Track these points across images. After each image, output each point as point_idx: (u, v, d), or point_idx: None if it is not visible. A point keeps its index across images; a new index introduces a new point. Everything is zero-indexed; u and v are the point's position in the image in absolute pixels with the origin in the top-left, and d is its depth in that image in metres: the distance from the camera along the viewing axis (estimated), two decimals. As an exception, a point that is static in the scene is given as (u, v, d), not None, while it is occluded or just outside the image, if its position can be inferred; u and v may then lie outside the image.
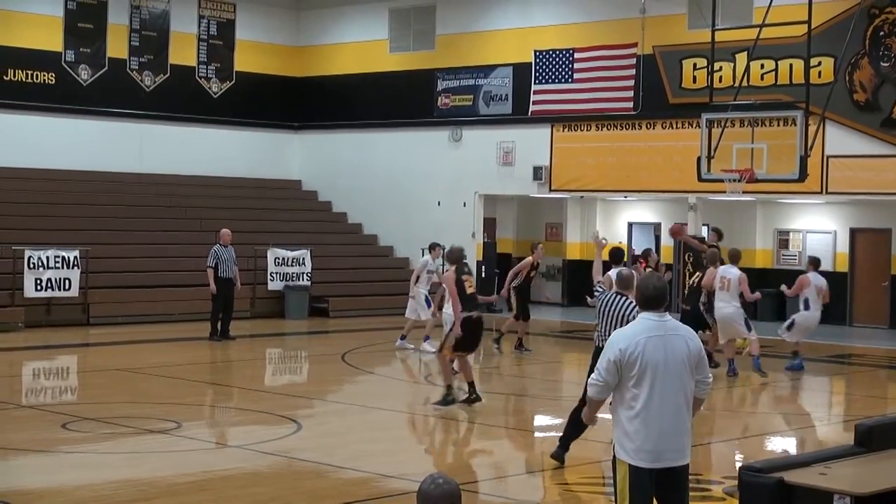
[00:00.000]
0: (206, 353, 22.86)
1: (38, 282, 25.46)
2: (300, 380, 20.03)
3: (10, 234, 26.88)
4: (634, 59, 29.57)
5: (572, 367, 21.94)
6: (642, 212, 33.18)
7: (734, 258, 20.94)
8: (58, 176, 30.74)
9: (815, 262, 21.83)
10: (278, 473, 12.42)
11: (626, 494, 7.61)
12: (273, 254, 29.19)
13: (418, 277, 22.72)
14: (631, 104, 29.68)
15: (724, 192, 24.75)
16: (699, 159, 24.06)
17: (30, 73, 31.02)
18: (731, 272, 20.21)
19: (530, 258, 22.76)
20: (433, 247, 23.14)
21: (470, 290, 16.00)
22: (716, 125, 24.03)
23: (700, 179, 24.64)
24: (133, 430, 14.42)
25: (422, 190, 33.05)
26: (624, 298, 12.17)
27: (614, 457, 7.74)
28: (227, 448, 14.01)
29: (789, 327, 21.36)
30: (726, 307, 20.06)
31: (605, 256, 15.43)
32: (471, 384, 16.21)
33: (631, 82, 29.70)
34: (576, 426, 12.22)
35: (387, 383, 19.73)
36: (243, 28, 35.14)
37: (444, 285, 16.57)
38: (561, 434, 12.71)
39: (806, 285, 21.23)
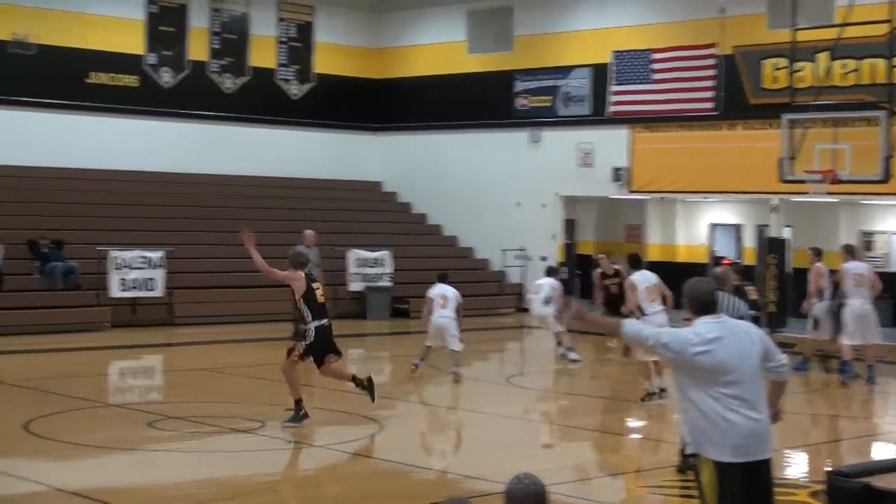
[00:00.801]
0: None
1: (123, 282, 25.82)
2: (382, 380, 20.03)
3: (95, 234, 27.29)
4: (714, 60, 29.36)
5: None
6: (724, 213, 32.94)
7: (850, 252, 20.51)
8: (141, 178, 31.10)
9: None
10: (361, 473, 12.50)
11: (713, 492, 7.58)
12: (354, 255, 29.34)
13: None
14: (711, 105, 29.47)
15: (807, 193, 24.54)
16: (781, 160, 23.88)
17: (112, 76, 31.42)
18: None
19: (598, 271, 22.49)
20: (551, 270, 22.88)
21: (321, 299, 14.83)
22: (797, 126, 23.84)
23: (782, 180, 24.44)
24: (217, 428, 14.57)
25: (501, 191, 33.03)
26: (731, 297, 11.95)
27: (686, 456, 7.70)
28: (309, 448, 14.11)
29: (815, 325, 20.86)
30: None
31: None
32: (298, 401, 14.71)
33: (711, 83, 29.49)
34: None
35: (468, 384, 19.76)
36: (322, 30, 35.33)
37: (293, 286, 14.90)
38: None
39: (820, 275, 20.67)
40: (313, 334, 14.55)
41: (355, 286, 29.25)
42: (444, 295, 19.38)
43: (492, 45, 34.02)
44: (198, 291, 27.19)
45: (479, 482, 11.99)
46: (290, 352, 14.77)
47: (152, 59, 32.08)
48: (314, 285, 14.74)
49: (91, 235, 27.27)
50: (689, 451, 7.81)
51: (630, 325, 7.75)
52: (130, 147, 31.21)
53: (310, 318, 14.59)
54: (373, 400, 15.08)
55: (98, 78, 31.17)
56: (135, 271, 25.80)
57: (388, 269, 29.62)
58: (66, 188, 29.49)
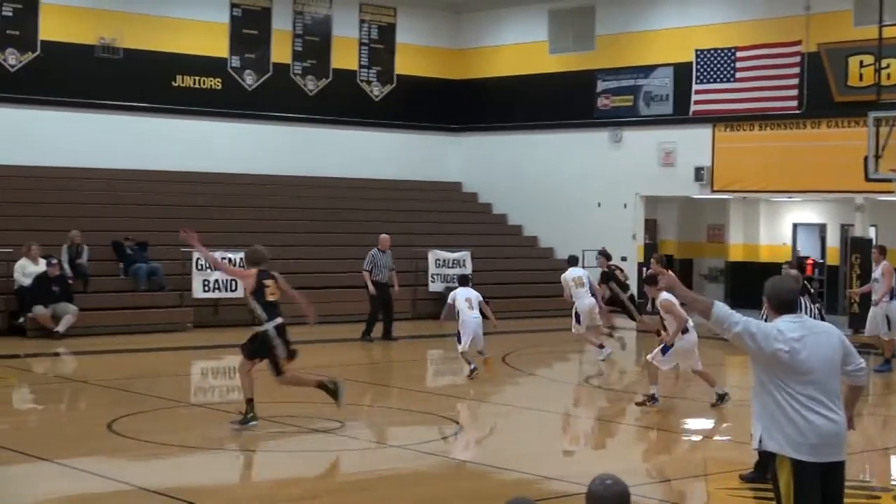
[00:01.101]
0: (369, 354, 23.13)
1: (206, 283, 26.08)
2: (461, 381, 20.11)
3: (178, 236, 27.53)
4: (798, 58, 29.05)
5: (734, 371, 21.64)
6: (807, 213, 32.56)
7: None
8: (224, 179, 31.41)
9: (882, 250, 20.93)
10: (439, 474, 12.52)
11: (790, 492, 7.51)
12: (434, 255, 29.40)
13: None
14: (795, 103, 29.16)
15: (893, 192, 24.19)
16: (866, 158, 23.56)
17: (197, 78, 31.76)
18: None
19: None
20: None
21: (271, 297, 14.24)
22: (883, 123, 23.51)
23: (867, 179, 24.12)
24: (297, 428, 14.66)
25: (582, 191, 32.92)
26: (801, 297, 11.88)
27: (762, 455, 7.62)
28: (388, 448, 14.15)
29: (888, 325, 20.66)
30: None
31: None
32: (249, 401, 14.37)
33: (795, 80, 29.18)
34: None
35: (548, 385, 19.73)
36: (404, 32, 35.45)
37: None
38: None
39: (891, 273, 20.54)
40: (273, 334, 14.13)
41: (435, 287, 29.30)
42: (468, 298, 19.71)
43: (573, 45, 33.92)
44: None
45: (557, 483, 11.97)
46: (275, 361, 14.29)
47: (236, 61, 32.38)
48: (266, 282, 14.21)
49: (174, 237, 27.47)
50: (757, 446, 7.72)
51: (721, 306, 7.63)
52: (214, 149, 31.53)
53: (264, 317, 14.13)
54: (337, 403, 14.54)
55: (183, 81, 31.52)
56: (217, 272, 26.04)
57: (468, 269, 29.62)
58: (151, 190, 29.84)
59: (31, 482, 11.70)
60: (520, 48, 35.06)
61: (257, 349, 14.36)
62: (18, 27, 29.04)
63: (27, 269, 24.19)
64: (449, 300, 19.92)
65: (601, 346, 21.52)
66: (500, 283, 30.63)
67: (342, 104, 34.08)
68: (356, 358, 22.34)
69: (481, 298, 19.90)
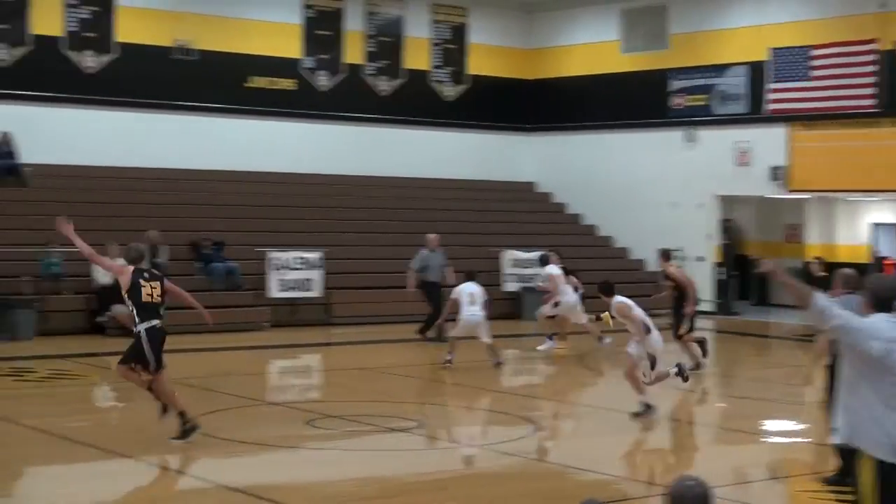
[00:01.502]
0: (443, 353, 23.08)
1: (282, 282, 26.27)
2: (538, 381, 20.11)
3: (254, 236, 27.81)
4: (874, 55, 28.72)
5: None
6: (886, 213, 32.18)
7: None
8: (298, 180, 31.57)
9: None
10: (516, 474, 12.51)
11: (873, 492, 7.42)
12: (508, 255, 29.39)
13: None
14: (872, 101, 28.83)
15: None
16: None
17: (270, 79, 31.95)
18: None
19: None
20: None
21: (147, 299, 13.20)
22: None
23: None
24: (374, 428, 14.70)
25: (656, 191, 32.73)
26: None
27: (844, 459, 7.53)
28: (465, 448, 14.17)
29: None
30: None
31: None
32: (181, 413, 13.46)
33: (871, 79, 28.84)
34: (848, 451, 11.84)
35: (623, 385, 19.62)
36: (476, 32, 35.44)
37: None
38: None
39: None
40: (144, 337, 13.21)
41: (510, 287, 29.29)
42: (471, 293, 20.14)
43: (646, 44, 33.74)
44: (354, 292, 27.49)
45: (634, 484, 11.92)
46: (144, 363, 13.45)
47: (309, 62, 32.55)
48: (142, 282, 13.18)
49: (250, 237, 27.80)
50: (838, 441, 7.62)
51: (821, 297, 7.52)
52: (288, 149, 31.71)
53: (136, 318, 13.21)
54: (181, 439, 13.30)
55: (256, 82, 31.73)
56: (293, 272, 26.22)
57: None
58: (226, 190, 30.08)
59: (112, 479, 11.84)
60: (592, 47, 34.92)
61: (128, 353, 13.48)
62: (96, 29, 29.39)
63: (106, 269, 24.47)
64: (453, 295, 20.46)
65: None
66: (575, 283, 30.48)
67: (414, 105, 34.14)
68: (432, 357, 22.25)
69: (485, 296, 20.58)
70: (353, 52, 33.27)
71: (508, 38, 36.08)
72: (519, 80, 36.10)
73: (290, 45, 32.19)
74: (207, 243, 26.73)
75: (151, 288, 13.20)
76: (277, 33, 31.98)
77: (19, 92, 28.25)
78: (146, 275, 13.32)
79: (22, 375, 18.61)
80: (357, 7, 33.23)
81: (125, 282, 13.18)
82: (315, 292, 26.67)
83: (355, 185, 32.38)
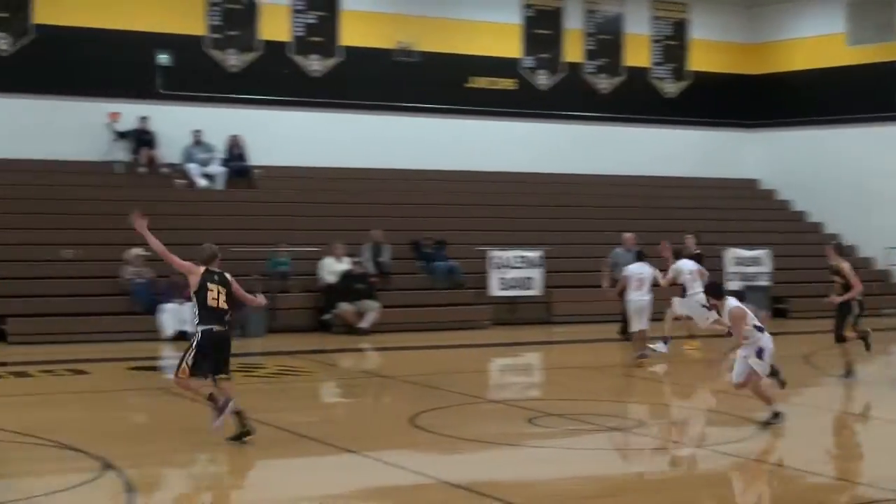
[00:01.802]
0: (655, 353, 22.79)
1: (503, 281, 26.45)
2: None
3: (475, 235, 28.07)
4: None
5: None
6: None
7: None
8: (518, 178, 31.74)
9: None
10: (739, 476, 12.32)
11: None
12: (731, 253, 28.96)
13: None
14: None
15: None
16: None
17: (491, 79, 32.19)
18: None
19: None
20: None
21: (212, 303, 13.10)
22: None
23: None
24: (595, 426, 14.66)
25: (885, 188, 31.81)
26: None
27: None
28: (686, 448, 14.03)
29: None
30: None
31: None
32: (237, 413, 13.13)
33: None
34: None
35: (850, 386, 19.14)
36: (697, 27, 35.04)
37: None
38: None
39: None
40: (198, 338, 13.13)
41: (733, 285, 28.81)
42: (640, 278, 20.10)
43: (874, 36, 32.79)
44: (575, 290, 27.47)
45: (869, 489, 11.62)
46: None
47: (529, 62, 32.69)
48: (209, 285, 13.14)
49: (471, 236, 28.06)
50: None
51: None
52: (508, 149, 31.88)
53: (197, 318, 13.21)
54: (214, 423, 13.12)
55: (477, 82, 32.01)
56: (514, 270, 26.39)
57: (766, 267, 29.03)
58: (447, 190, 30.44)
59: (338, 473, 12.09)
60: (816, 40, 34.15)
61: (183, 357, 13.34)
62: (321, 33, 30.08)
63: (332, 268, 25.11)
64: (624, 273, 20.51)
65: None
66: (801, 281, 29.88)
67: (635, 102, 33.95)
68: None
69: (656, 275, 20.41)
70: (573, 50, 33.27)
71: (730, 33, 35.56)
72: (741, 76, 35.54)
73: (510, 45, 32.39)
74: (429, 242, 27.10)
75: (218, 292, 13.13)
76: (497, 33, 32.20)
77: (248, 96, 29.13)
78: (216, 277, 13.27)
79: (251, 371, 19.18)
80: (576, 5, 33.23)
81: (194, 282, 13.18)
82: (535, 291, 26.79)
83: (575, 184, 32.37)
